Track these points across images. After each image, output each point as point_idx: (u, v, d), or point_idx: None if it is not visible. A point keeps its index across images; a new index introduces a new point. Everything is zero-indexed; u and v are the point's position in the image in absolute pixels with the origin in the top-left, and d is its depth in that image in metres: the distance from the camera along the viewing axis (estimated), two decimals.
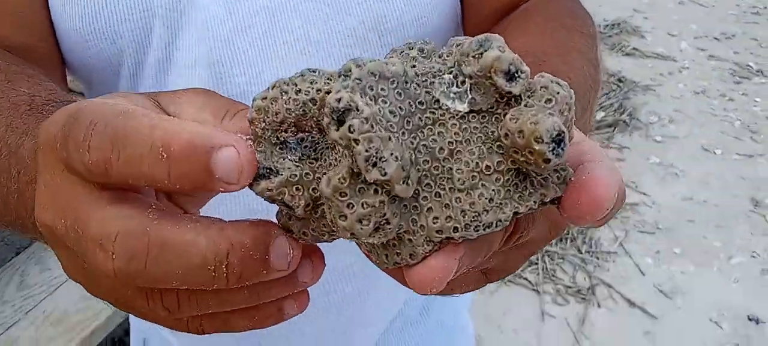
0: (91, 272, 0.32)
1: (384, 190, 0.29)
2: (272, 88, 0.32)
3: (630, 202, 2.36)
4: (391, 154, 0.29)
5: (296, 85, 0.32)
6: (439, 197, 0.31)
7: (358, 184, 0.29)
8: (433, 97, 0.32)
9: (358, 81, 0.29)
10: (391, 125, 0.30)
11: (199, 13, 0.58)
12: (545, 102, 0.31)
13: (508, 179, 0.31)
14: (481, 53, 0.31)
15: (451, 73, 0.32)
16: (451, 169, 0.31)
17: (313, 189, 0.32)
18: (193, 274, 0.30)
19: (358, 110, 0.28)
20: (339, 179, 0.29)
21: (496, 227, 0.31)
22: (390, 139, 0.29)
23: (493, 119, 0.32)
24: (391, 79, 0.30)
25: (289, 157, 0.32)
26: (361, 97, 0.29)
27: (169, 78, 0.60)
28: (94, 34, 0.58)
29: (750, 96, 3.04)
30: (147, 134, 0.29)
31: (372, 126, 0.28)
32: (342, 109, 0.28)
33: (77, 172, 0.31)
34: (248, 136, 0.32)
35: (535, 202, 0.32)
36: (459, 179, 0.31)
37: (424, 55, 0.34)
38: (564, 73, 0.55)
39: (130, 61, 0.60)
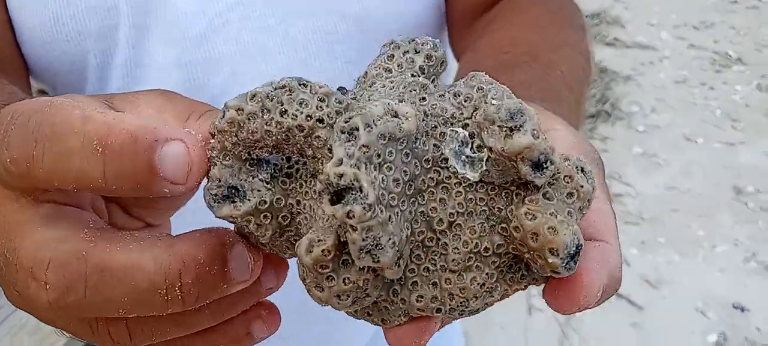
0: (28, 302, 0.28)
1: (371, 269, 0.26)
2: (251, 100, 0.27)
3: (614, 192, 2.36)
4: (389, 239, 0.25)
5: (282, 105, 0.27)
6: (428, 273, 0.28)
7: (343, 255, 0.26)
8: (442, 154, 0.28)
9: (365, 150, 0.25)
10: (393, 197, 0.26)
11: (168, 10, 0.55)
12: (567, 196, 0.27)
13: (505, 261, 0.29)
14: (511, 130, 0.26)
15: (465, 126, 0.28)
16: (446, 245, 0.28)
17: (284, 217, 0.29)
18: (142, 300, 0.26)
19: (361, 192, 0.24)
20: (322, 251, 0.25)
21: (481, 311, 0.29)
22: (390, 219, 0.25)
23: (503, 194, 0.28)
24: (401, 140, 0.26)
25: (260, 177, 0.28)
26: (367, 171, 0.25)
27: (139, 82, 0.57)
28: (56, 35, 0.55)
29: (730, 84, 3.05)
30: (78, 127, 0.26)
31: (374, 211, 0.24)
32: (343, 187, 0.24)
33: (1, 179, 0.27)
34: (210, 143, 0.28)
35: (525, 285, 0.30)
36: (454, 260, 0.28)
37: (431, 65, 0.30)
38: (557, 66, 0.54)
39: (96, 63, 0.56)
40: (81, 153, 0.25)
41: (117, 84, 0.57)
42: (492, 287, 0.29)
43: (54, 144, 0.26)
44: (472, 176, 0.28)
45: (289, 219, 0.29)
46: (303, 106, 0.27)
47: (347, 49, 0.59)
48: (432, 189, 0.28)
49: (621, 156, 2.57)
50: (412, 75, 0.30)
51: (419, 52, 0.31)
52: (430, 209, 0.28)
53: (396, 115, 0.26)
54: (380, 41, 0.52)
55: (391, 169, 0.26)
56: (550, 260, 0.26)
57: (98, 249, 0.26)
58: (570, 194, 0.27)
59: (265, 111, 0.27)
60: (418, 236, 0.28)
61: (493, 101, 0.27)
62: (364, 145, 0.25)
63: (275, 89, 0.27)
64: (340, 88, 0.31)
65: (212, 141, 0.28)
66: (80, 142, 0.25)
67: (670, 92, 3.00)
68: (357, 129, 0.25)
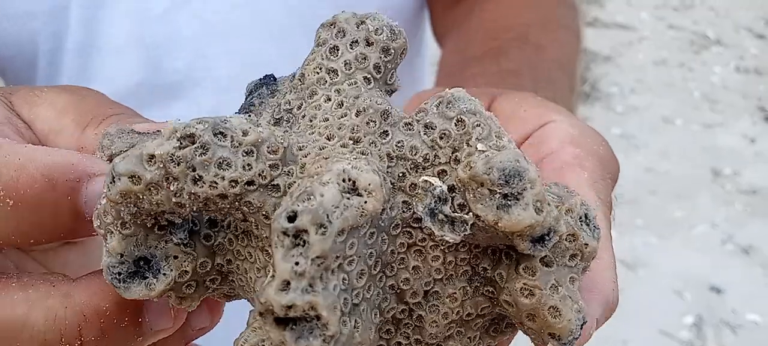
0: None
1: None
2: (149, 164, 0.20)
3: None
4: None
5: (193, 170, 0.20)
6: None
7: None
8: (414, 214, 0.22)
9: (319, 262, 0.19)
10: (357, 294, 0.21)
11: None
12: (569, 258, 0.22)
13: (489, 318, 0.24)
14: (506, 199, 0.21)
15: (442, 174, 0.22)
16: (421, 317, 0.23)
17: (212, 279, 0.23)
18: None
19: (319, 321, 0.19)
20: None
21: None
22: (356, 327, 0.20)
23: (489, 252, 0.23)
24: (364, 225, 0.20)
25: (174, 240, 0.22)
26: (324, 288, 0.19)
27: (95, 65, 0.52)
28: (0, 16, 0.50)
29: (708, 65, 3.05)
30: None
31: (337, 339, 0.19)
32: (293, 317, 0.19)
33: None
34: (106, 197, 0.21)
35: (509, 335, 0.25)
36: (431, 334, 0.23)
37: (388, 60, 0.24)
38: (548, 49, 0.51)
39: (46, 46, 0.51)
40: None
41: (69, 71, 0.52)
42: (475, 341, 0.24)
43: None
44: (453, 238, 0.22)
45: (219, 280, 0.24)
46: (223, 168, 0.20)
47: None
48: (402, 255, 0.23)
49: None
50: (365, 78, 0.24)
51: (372, 43, 0.25)
52: (402, 282, 0.23)
53: (355, 191, 0.20)
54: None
55: (352, 262, 0.20)
56: (548, 344, 0.22)
57: None
58: (573, 256, 0.22)
59: (172, 180, 0.20)
60: (388, 312, 0.23)
61: (480, 149, 0.22)
62: (318, 257, 0.19)
63: (181, 148, 0.20)
64: (266, 78, 0.25)
65: (102, 204, 0.21)
66: None
67: (649, 73, 2.99)
68: (306, 232, 0.19)
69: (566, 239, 0.22)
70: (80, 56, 0.52)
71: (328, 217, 0.19)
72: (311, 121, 0.24)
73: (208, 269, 0.23)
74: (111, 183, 0.21)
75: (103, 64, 0.52)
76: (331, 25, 0.25)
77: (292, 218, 0.19)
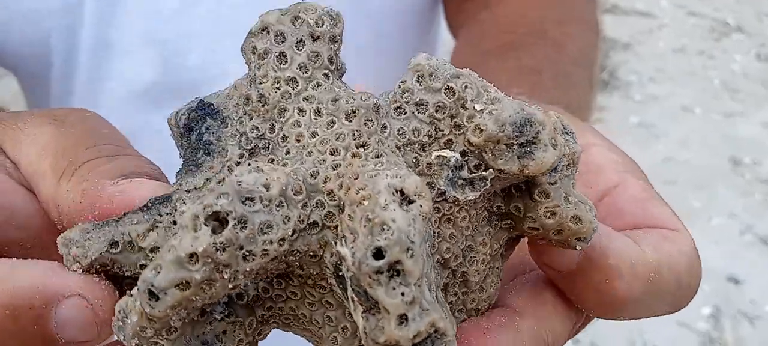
0: None
1: None
2: (193, 264, 0.19)
3: None
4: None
5: (241, 249, 0.19)
6: (452, 306, 0.25)
7: None
8: (438, 189, 0.23)
9: (419, 282, 0.19)
10: (436, 286, 0.22)
11: None
12: (565, 168, 0.24)
13: (509, 240, 0.27)
14: (524, 147, 0.22)
15: (449, 143, 0.23)
16: (464, 273, 0.25)
17: (259, 333, 0.23)
18: None
19: (437, 332, 0.19)
20: None
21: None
22: (447, 319, 0.20)
23: (499, 192, 0.25)
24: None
25: (217, 317, 0.22)
26: (429, 301, 0.20)
27: (110, 65, 0.52)
28: (12, 13, 0.50)
29: (729, 53, 3.01)
30: None
31: (451, 337, 0.20)
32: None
33: None
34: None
35: (514, 248, 0.28)
36: (474, 282, 0.25)
37: (337, 48, 0.24)
38: (567, 45, 0.50)
39: (61, 45, 0.51)
40: None
41: (85, 72, 0.53)
42: (501, 267, 0.27)
43: None
44: (473, 195, 0.23)
45: (265, 330, 0.24)
46: (266, 232, 0.20)
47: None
48: (438, 230, 0.23)
49: (618, 126, 2.54)
50: (325, 75, 0.24)
51: (318, 37, 0.24)
52: (444, 252, 0.24)
53: (406, 199, 0.20)
54: (372, 17, 0.47)
55: (427, 263, 0.21)
56: (578, 247, 0.24)
57: None
58: (568, 165, 0.24)
59: (223, 269, 0.19)
60: (440, 280, 0.24)
61: (478, 108, 0.22)
62: (418, 279, 0.19)
63: (219, 235, 0.19)
64: (202, 108, 0.24)
65: (133, 323, 0.20)
66: None
67: (669, 61, 2.96)
68: (399, 262, 0.19)
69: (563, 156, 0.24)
70: (95, 55, 0.52)
71: (409, 238, 0.19)
72: (298, 140, 0.23)
73: (254, 325, 0.23)
74: (153, 301, 0.19)
75: (117, 63, 0.52)
76: (264, 30, 0.24)
77: (379, 255, 0.19)
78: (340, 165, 0.22)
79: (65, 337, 0.19)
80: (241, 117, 0.24)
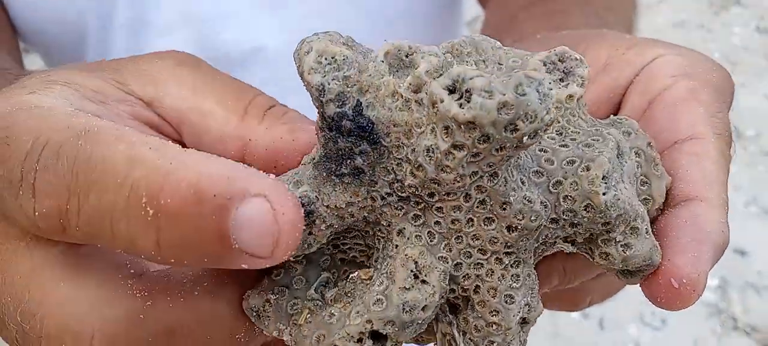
0: None
1: None
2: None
3: None
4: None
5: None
6: None
7: None
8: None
9: None
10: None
11: None
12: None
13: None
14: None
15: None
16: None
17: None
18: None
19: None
20: None
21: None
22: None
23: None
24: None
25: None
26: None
27: (146, 43, 0.52)
28: None
29: (729, 27, 3.01)
30: (123, 174, 0.18)
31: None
32: None
33: (14, 222, 0.21)
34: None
35: None
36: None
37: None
38: (609, 8, 0.49)
39: (95, 24, 0.51)
40: (127, 214, 0.18)
41: (120, 48, 0.52)
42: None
43: (92, 197, 0.18)
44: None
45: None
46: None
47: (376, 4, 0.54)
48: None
49: None
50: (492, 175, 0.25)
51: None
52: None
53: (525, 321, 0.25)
54: (393, 25, 0.46)
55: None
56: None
57: (159, 310, 0.20)
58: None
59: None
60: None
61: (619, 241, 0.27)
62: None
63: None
64: (359, 124, 0.22)
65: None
66: (125, 199, 0.18)
67: (669, 36, 2.96)
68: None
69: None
70: (131, 34, 0.52)
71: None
72: (454, 223, 0.25)
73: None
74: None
75: (153, 42, 0.51)
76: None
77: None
78: (482, 265, 0.24)
79: (239, 241, 0.18)
80: (400, 162, 0.22)
